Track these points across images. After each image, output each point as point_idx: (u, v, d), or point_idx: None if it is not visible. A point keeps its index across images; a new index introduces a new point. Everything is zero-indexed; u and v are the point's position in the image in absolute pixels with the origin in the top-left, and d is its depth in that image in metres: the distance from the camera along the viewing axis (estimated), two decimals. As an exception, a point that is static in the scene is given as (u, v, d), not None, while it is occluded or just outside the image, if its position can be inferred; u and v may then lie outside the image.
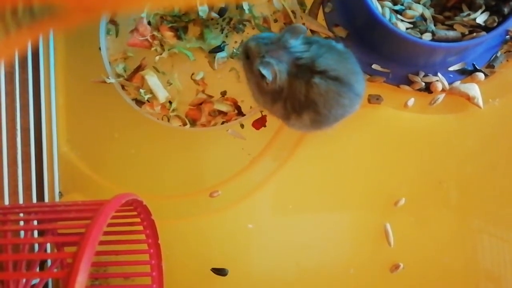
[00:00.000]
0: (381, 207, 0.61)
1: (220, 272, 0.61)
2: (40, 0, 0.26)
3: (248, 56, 0.51)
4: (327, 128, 0.53)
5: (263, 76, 0.48)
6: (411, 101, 0.61)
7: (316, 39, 0.52)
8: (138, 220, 0.53)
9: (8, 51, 0.29)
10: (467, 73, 0.60)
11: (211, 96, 0.61)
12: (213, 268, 0.61)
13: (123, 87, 0.61)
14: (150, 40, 0.60)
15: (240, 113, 0.61)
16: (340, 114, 0.52)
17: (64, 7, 0.27)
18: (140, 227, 0.54)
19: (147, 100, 0.60)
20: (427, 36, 0.55)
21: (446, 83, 0.59)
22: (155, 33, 0.60)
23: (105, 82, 0.60)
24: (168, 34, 0.60)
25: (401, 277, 0.61)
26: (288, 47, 0.49)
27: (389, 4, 0.57)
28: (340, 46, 0.52)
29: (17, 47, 0.29)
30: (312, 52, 0.49)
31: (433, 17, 0.57)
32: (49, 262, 0.57)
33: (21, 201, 0.56)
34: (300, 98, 0.49)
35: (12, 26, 0.26)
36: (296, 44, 0.49)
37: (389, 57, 0.60)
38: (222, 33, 0.61)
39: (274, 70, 0.48)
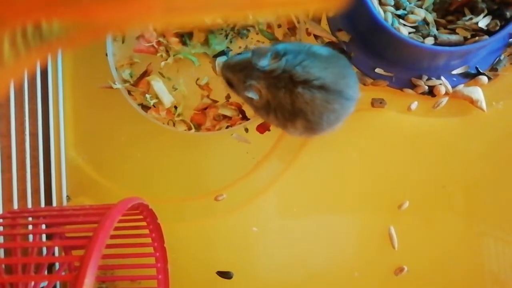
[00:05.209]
0: (385, 210, 0.61)
1: (225, 275, 0.62)
2: (58, 19, 0.27)
3: (231, 85, 0.54)
4: (325, 133, 0.53)
5: (251, 98, 0.51)
6: (414, 105, 0.61)
7: (290, 48, 0.51)
8: (144, 223, 0.54)
9: (18, 73, 0.30)
10: (470, 76, 0.60)
11: (215, 101, 0.62)
12: (218, 271, 0.62)
13: (129, 92, 0.62)
14: (156, 46, 0.61)
15: (245, 118, 0.62)
16: (334, 119, 0.51)
17: (75, 28, 0.28)
18: (146, 231, 0.55)
19: (153, 105, 0.61)
20: (429, 40, 0.55)
21: (449, 87, 0.60)
22: (161, 39, 0.60)
23: (111, 87, 0.61)
24: (174, 40, 0.60)
25: (405, 280, 0.61)
26: (258, 68, 0.50)
27: (392, 8, 0.57)
28: (324, 50, 0.52)
29: (26, 68, 0.30)
30: (285, 62, 0.49)
31: (435, 21, 0.57)
32: (57, 265, 0.58)
33: (29, 205, 0.57)
34: (287, 107, 0.50)
35: (21, 49, 0.27)
36: (264, 63, 0.50)
37: (392, 61, 0.60)
38: (226, 38, 0.61)
39: (257, 88, 0.50)
